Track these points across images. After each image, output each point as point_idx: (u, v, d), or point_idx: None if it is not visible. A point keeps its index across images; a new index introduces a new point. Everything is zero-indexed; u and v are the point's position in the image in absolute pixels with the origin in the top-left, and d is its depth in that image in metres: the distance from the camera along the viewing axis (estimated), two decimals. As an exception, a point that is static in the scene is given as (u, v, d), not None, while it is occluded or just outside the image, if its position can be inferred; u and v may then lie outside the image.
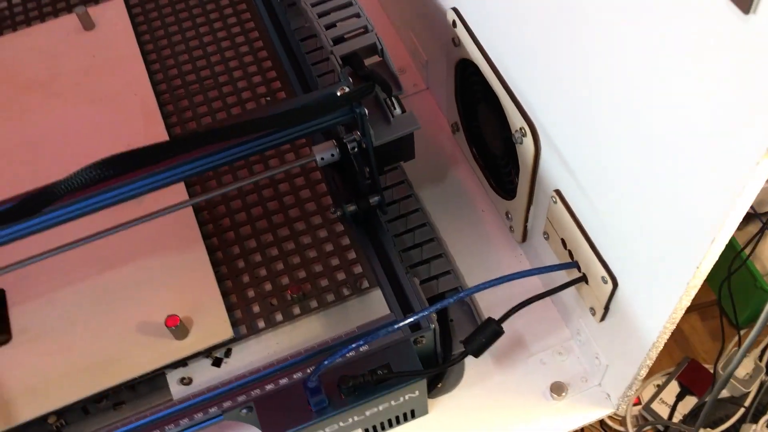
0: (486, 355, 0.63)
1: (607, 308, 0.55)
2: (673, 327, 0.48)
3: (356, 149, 0.59)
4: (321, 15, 0.65)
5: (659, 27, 0.36)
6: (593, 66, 0.44)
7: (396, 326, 0.52)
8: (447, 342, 0.64)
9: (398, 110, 0.60)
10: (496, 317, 0.56)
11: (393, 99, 0.60)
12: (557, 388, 0.63)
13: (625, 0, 0.38)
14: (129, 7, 0.88)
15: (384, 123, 0.60)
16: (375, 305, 0.68)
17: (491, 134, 0.68)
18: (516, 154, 0.63)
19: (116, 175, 0.46)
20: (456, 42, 0.65)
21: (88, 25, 0.85)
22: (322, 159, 0.60)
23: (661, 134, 0.39)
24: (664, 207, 0.41)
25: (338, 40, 0.62)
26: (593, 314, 0.58)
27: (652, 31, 0.36)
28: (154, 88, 0.81)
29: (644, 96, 0.39)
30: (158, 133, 0.77)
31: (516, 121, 0.58)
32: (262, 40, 0.85)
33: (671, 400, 1.05)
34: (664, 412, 1.04)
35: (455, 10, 0.63)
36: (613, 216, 0.49)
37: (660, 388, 1.06)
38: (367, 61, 0.62)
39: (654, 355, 0.52)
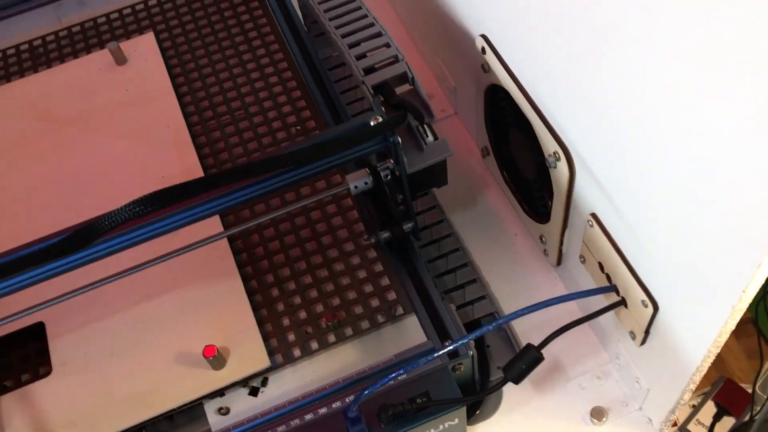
0: (524, 380, 0.63)
1: (647, 332, 0.55)
2: (718, 351, 0.47)
3: (389, 177, 0.59)
4: (352, 46, 0.66)
5: (697, 49, 0.36)
6: (629, 89, 0.44)
7: (435, 354, 0.52)
8: (484, 368, 0.64)
9: (430, 137, 0.61)
10: (534, 342, 0.56)
11: (425, 126, 0.61)
12: (597, 413, 0.62)
13: (655, 23, 0.38)
14: (160, 41, 0.90)
15: (417, 150, 0.60)
16: (410, 332, 0.67)
17: (523, 158, 0.68)
18: (549, 178, 0.63)
19: (158, 210, 0.47)
20: (486, 68, 0.65)
21: (120, 60, 0.87)
22: (356, 187, 0.61)
23: (705, 157, 0.39)
24: (708, 231, 0.41)
25: (369, 70, 0.63)
26: (633, 338, 0.57)
27: (691, 53, 0.37)
28: (186, 120, 0.82)
29: (686, 118, 0.39)
30: (192, 165, 0.78)
31: (549, 145, 0.58)
32: (290, 70, 0.86)
33: (708, 421, 1.03)
34: (701, 434, 1.02)
35: (484, 37, 0.64)
36: (654, 240, 0.49)
37: (696, 409, 1.04)
38: (398, 90, 0.63)
39: (698, 379, 0.51)
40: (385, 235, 0.65)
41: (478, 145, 0.78)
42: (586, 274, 0.62)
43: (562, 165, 0.57)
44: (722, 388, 1.04)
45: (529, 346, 0.55)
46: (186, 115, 0.83)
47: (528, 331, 0.66)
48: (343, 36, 0.67)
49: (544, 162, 0.61)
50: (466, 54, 0.70)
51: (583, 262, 0.61)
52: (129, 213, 0.45)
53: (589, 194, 0.56)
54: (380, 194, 0.63)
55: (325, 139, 0.56)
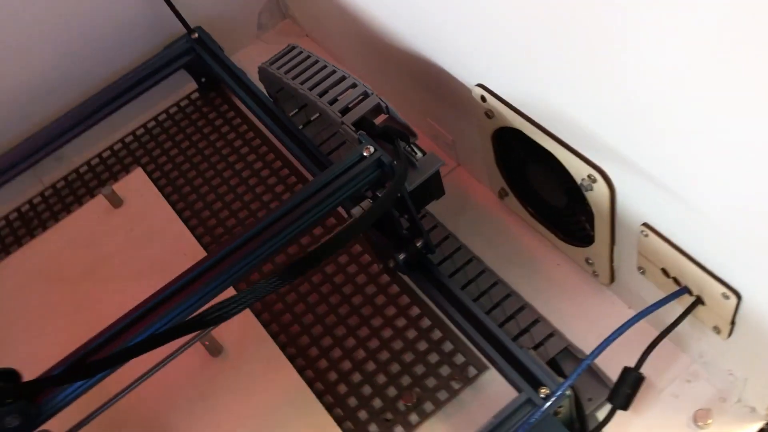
0: (618, 405, 0.62)
1: (733, 323, 0.54)
2: (817, 320, 0.47)
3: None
4: (321, 94, 0.68)
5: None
6: (663, 86, 0.44)
7: (544, 407, 0.51)
8: (578, 404, 0.63)
9: (419, 154, 0.64)
10: (609, 363, 0.55)
11: (412, 145, 0.64)
12: (701, 417, 0.61)
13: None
14: (148, 173, 0.90)
15: (410, 168, 0.63)
16: (492, 389, 0.66)
17: (549, 190, 0.68)
18: (582, 201, 0.63)
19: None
20: (490, 114, 0.66)
21: (116, 202, 0.86)
22: (362, 210, 0.61)
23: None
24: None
25: (345, 111, 0.65)
26: (718, 333, 0.57)
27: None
28: (198, 240, 0.82)
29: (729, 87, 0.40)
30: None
31: (580, 170, 0.58)
32: (265, 145, 0.89)
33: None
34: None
35: (481, 86, 0.65)
36: (723, 229, 0.49)
37: None
38: (376, 121, 0.65)
39: (800, 353, 0.51)
40: (402, 256, 0.66)
41: (493, 189, 0.78)
42: (648, 284, 0.62)
43: (600, 185, 0.58)
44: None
45: (626, 369, 0.55)
46: (197, 237, 0.82)
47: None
48: (311, 89, 0.69)
49: (576, 188, 0.61)
50: (463, 107, 0.70)
51: (643, 272, 0.61)
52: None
53: (636, 206, 0.56)
54: (385, 222, 0.64)
55: (327, 178, 0.59)
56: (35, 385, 0.49)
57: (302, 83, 0.71)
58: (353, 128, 0.64)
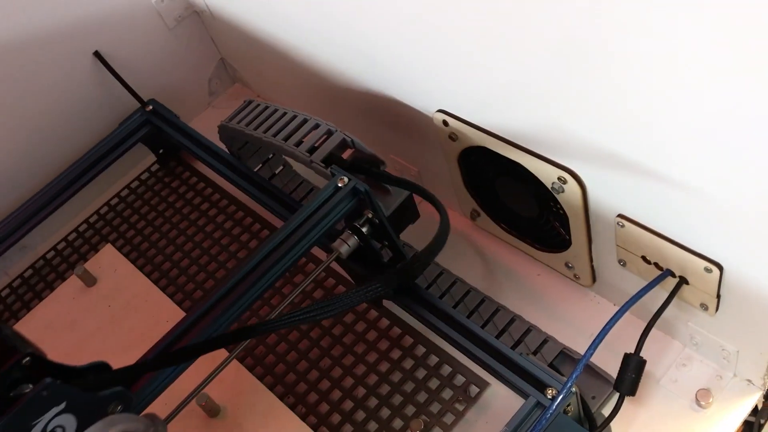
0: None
1: (719, 296, 0.56)
2: (798, 277, 0.50)
3: (370, 228, 0.63)
4: (286, 139, 0.70)
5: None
6: (626, 80, 0.47)
7: (553, 406, 0.52)
8: (584, 403, 0.64)
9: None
10: (605, 361, 0.56)
11: (382, 174, 0.66)
12: (702, 397, 0.63)
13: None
14: (119, 249, 0.89)
15: (384, 194, 0.66)
16: (494, 404, 0.67)
17: (520, 202, 0.70)
18: (554, 208, 0.66)
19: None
20: (454, 137, 0.68)
21: (90, 281, 0.85)
22: (347, 248, 0.64)
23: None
24: (756, 168, 0.44)
25: (312, 150, 0.67)
26: (705, 309, 0.59)
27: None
28: (178, 305, 0.81)
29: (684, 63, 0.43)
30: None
31: (550, 174, 0.61)
32: (233, 204, 0.90)
33: None
34: None
35: (442, 111, 0.67)
36: (697, 204, 0.51)
37: None
38: (344, 155, 0.68)
39: (787, 314, 0.53)
40: None
41: (464, 212, 0.80)
42: (630, 275, 0.64)
43: (571, 186, 0.60)
44: None
45: (627, 355, 0.56)
46: (177, 303, 0.81)
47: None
48: (275, 135, 0.71)
49: (546, 194, 0.63)
50: (425, 135, 0.73)
51: (624, 265, 0.63)
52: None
53: (609, 199, 0.58)
54: (367, 253, 0.65)
55: (307, 212, 0.61)
56: (132, 371, 0.52)
57: (265, 132, 0.72)
58: (323, 165, 0.65)
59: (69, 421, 0.48)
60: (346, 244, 0.64)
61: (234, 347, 0.60)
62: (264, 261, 0.59)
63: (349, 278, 0.76)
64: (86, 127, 0.94)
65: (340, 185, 0.62)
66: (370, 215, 0.63)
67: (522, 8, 0.49)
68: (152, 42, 0.95)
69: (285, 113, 0.73)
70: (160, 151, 0.97)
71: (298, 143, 0.69)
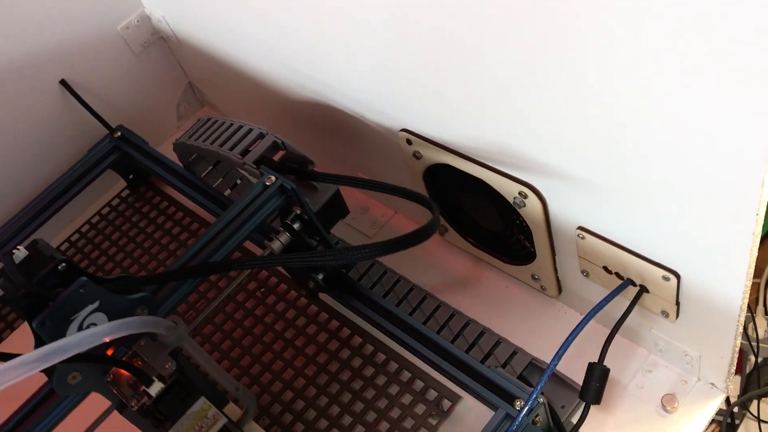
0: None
1: (678, 303, 0.58)
2: (750, 283, 0.51)
3: (300, 224, 0.66)
4: (222, 144, 0.73)
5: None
6: (576, 97, 0.49)
7: (520, 417, 0.53)
8: (553, 412, 0.65)
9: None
10: (574, 369, 0.58)
11: (311, 172, 0.70)
12: (668, 402, 0.64)
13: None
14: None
15: (312, 192, 0.69)
16: (467, 417, 0.68)
17: (485, 216, 0.71)
18: (517, 222, 0.67)
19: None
20: (418, 156, 0.70)
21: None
22: (279, 244, 0.66)
23: (679, 111, 0.43)
24: (702, 176, 0.45)
25: (244, 153, 0.71)
26: (666, 317, 0.60)
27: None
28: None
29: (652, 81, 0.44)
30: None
31: (511, 189, 0.62)
32: (204, 227, 0.91)
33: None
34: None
35: (405, 130, 0.68)
36: (650, 214, 0.52)
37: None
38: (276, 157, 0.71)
39: (743, 318, 0.55)
40: (320, 276, 0.71)
41: (432, 228, 0.81)
42: (593, 285, 0.65)
43: (531, 200, 0.61)
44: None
45: (591, 364, 0.57)
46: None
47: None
48: (212, 143, 0.74)
49: (509, 208, 0.65)
50: (391, 154, 0.74)
51: (587, 275, 0.65)
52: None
53: (568, 212, 0.60)
54: (299, 247, 0.68)
55: (236, 210, 0.64)
56: (155, 279, 0.60)
57: (204, 141, 0.75)
58: (254, 166, 0.68)
59: (101, 319, 0.54)
60: (278, 241, 0.66)
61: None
62: (198, 255, 0.62)
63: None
64: (55, 154, 0.94)
65: (267, 184, 0.65)
66: (298, 211, 0.66)
67: (472, 38, 0.51)
68: (119, 68, 0.96)
69: (232, 125, 0.76)
70: (130, 176, 0.97)
71: (233, 147, 0.72)
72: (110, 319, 0.54)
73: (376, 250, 0.54)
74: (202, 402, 0.59)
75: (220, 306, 0.82)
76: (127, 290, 0.56)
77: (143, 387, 0.55)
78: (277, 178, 0.65)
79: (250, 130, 0.73)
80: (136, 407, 0.56)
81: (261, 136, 0.71)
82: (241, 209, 0.65)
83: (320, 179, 0.69)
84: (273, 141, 0.70)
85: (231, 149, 0.71)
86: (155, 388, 0.55)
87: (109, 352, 0.56)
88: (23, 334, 0.86)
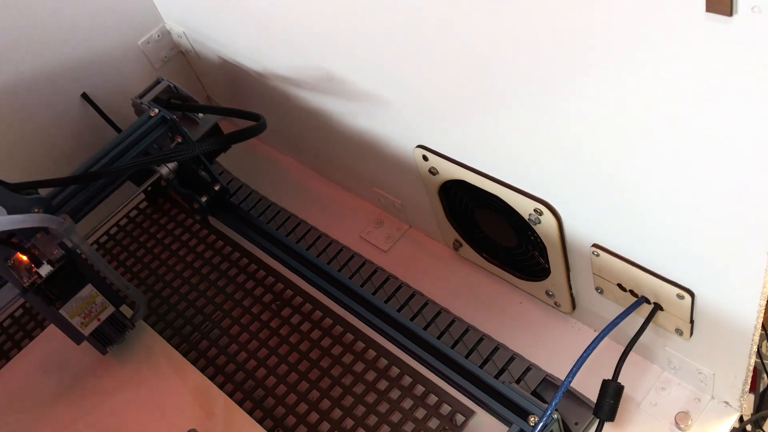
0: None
1: (692, 321, 0.58)
2: (765, 303, 0.51)
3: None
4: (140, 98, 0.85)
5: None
6: (596, 117, 0.49)
7: None
8: (567, 429, 0.65)
9: (200, 114, 0.84)
10: (588, 387, 0.58)
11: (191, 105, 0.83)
12: (682, 419, 0.64)
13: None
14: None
15: (193, 125, 0.83)
16: (479, 430, 0.68)
17: (500, 232, 0.72)
18: (532, 238, 0.67)
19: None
20: (434, 171, 0.70)
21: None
22: (167, 170, 0.82)
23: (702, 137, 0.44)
24: (719, 196, 0.46)
25: (143, 95, 0.85)
26: (680, 334, 0.60)
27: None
28: (169, 342, 0.82)
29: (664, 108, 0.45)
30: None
31: (526, 206, 0.63)
32: (221, 239, 0.90)
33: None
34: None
35: (422, 146, 0.69)
36: (667, 233, 0.53)
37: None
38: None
39: (757, 338, 0.55)
40: (204, 198, 0.85)
41: (446, 243, 0.82)
42: (608, 302, 0.65)
43: (547, 217, 0.62)
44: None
45: (605, 381, 0.57)
46: (166, 339, 0.82)
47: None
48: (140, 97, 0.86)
49: (524, 225, 0.65)
50: (407, 169, 0.75)
51: (601, 292, 0.65)
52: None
53: (583, 229, 0.60)
54: (188, 176, 0.82)
55: (124, 135, 0.77)
56: (48, 183, 0.72)
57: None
58: (147, 104, 0.81)
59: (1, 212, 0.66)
60: (167, 167, 0.81)
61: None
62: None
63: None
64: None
65: (152, 115, 0.78)
66: (180, 141, 0.79)
67: (492, 60, 0.51)
68: (139, 82, 0.97)
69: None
70: (148, 188, 0.98)
71: (142, 94, 0.84)
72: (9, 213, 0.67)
73: (219, 142, 0.73)
74: (89, 289, 0.73)
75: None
76: (21, 188, 0.69)
77: (35, 268, 0.68)
78: (159, 111, 0.77)
79: (159, 80, 0.86)
80: (27, 283, 0.69)
81: (157, 81, 0.85)
82: (127, 135, 0.77)
83: (195, 110, 0.82)
84: (167, 85, 0.84)
85: (140, 97, 0.84)
86: (45, 269, 0.69)
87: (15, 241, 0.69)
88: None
